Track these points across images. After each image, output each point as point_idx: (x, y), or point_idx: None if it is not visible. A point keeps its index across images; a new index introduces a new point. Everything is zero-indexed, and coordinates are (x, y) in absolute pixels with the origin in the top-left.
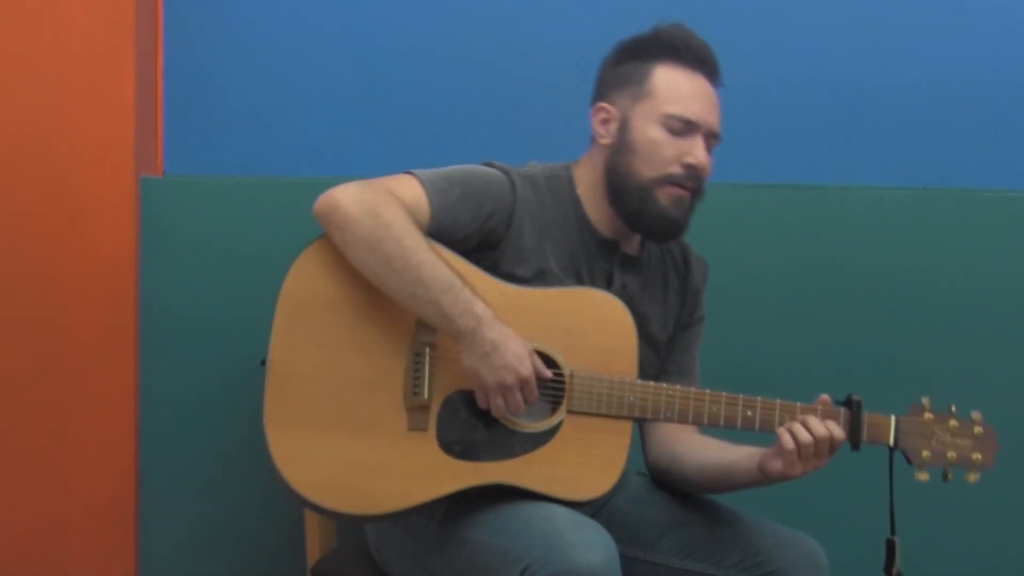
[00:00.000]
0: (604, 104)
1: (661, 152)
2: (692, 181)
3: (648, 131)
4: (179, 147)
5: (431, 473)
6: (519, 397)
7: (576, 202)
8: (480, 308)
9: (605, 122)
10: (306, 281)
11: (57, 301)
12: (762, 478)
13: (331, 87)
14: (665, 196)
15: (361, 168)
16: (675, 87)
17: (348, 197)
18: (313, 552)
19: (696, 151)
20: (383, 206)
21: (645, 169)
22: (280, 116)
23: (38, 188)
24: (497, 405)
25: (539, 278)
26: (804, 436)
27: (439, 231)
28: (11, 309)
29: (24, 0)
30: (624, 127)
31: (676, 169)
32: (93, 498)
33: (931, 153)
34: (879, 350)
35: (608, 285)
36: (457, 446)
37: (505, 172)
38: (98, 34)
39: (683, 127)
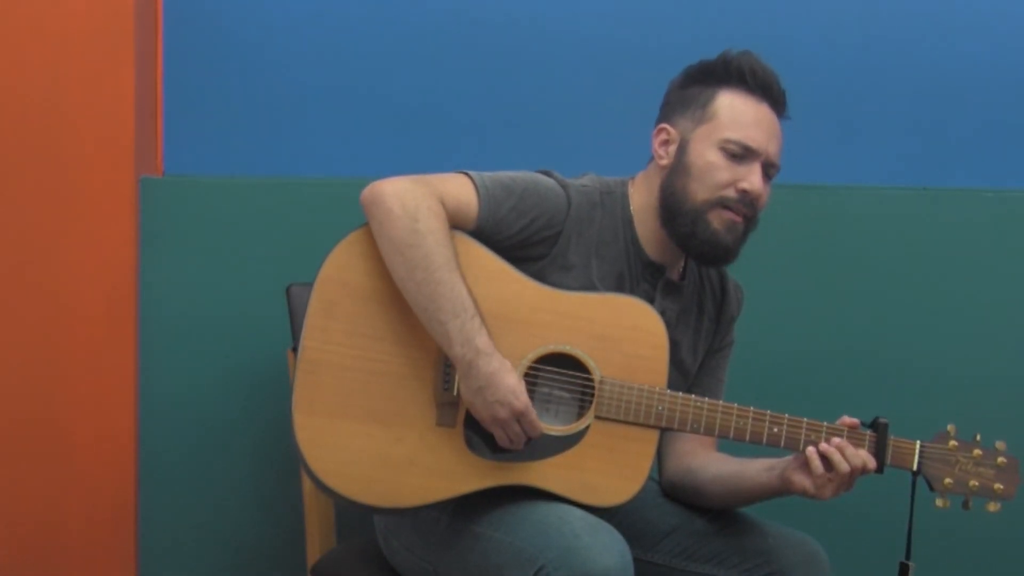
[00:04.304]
0: (666, 125)
1: (717, 176)
2: (746, 207)
3: (706, 154)
4: (179, 147)
5: (456, 470)
6: (516, 429)
7: (628, 222)
8: (482, 341)
9: (665, 143)
10: (342, 271)
11: (57, 301)
12: (782, 488)
13: (331, 87)
14: (717, 220)
15: (361, 168)
16: (738, 113)
17: (394, 194)
18: (313, 552)
19: (752, 178)
20: (425, 213)
21: (699, 191)
22: (280, 116)
23: (38, 188)
24: (499, 437)
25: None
26: (844, 467)
27: (480, 236)
28: (11, 309)
29: (24, 0)
30: (683, 149)
31: (730, 193)
32: (93, 498)
33: (931, 153)
34: (879, 350)
35: None
36: (483, 445)
37: (564, 187)
38: (98, 34)
39: (742, 153)
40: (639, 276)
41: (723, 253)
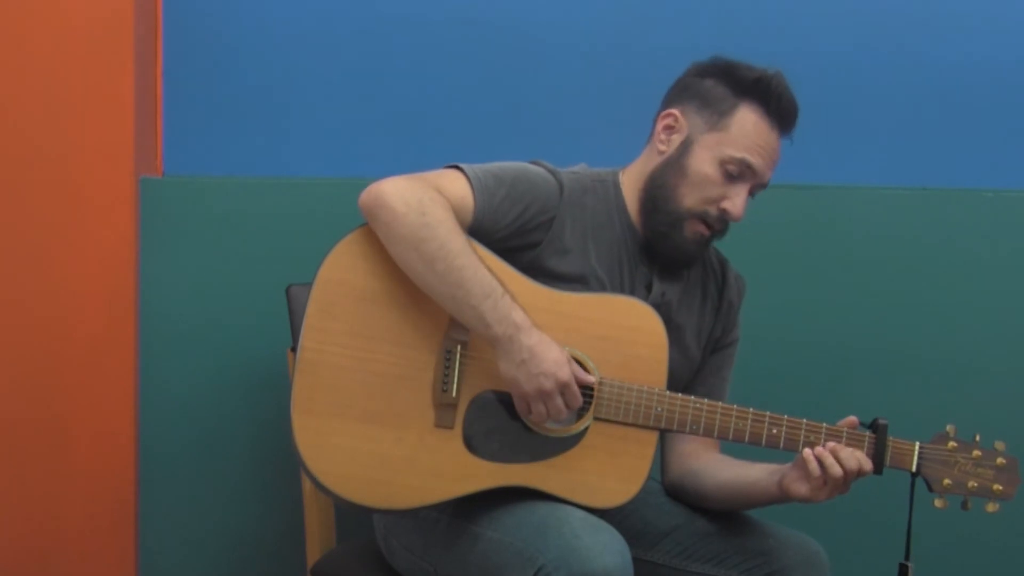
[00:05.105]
0: (675, 112)
1: (708, 190)
2: (719, 224)
3: (706, 165)
4: (179, 147)
5: (454, 471)
6: (560, 402)
7: (621, 206)
8: (518, 316)
9: (669, 129)
10: (341, 272)
11: (57, 301)
12: (782, 496)
13: (331, 87)
14: (691, 230)
15: (361, 168)
16: (750, 134)
17: (395, 192)
18: (313, 552)
19: (737, 200)
20: (431, 205)
21: (687, 198)
22: (280, 116)
23: (38, 188)
24: (539, 412)
25: (582, 280)
26: (836, 470)
27: (479, 228)
28: (11, 309)
29: (24, 0)
30: (686, 147)
31: (712, 210)
32: (93, 499)
33: (931, 153)
34: (878, 350)
35: (647, 291)
36: (482, 446)
37: (553, 174)
38: (98, 34)
39: (737, 174)
40: (636, 259)
41: (686, 260)
